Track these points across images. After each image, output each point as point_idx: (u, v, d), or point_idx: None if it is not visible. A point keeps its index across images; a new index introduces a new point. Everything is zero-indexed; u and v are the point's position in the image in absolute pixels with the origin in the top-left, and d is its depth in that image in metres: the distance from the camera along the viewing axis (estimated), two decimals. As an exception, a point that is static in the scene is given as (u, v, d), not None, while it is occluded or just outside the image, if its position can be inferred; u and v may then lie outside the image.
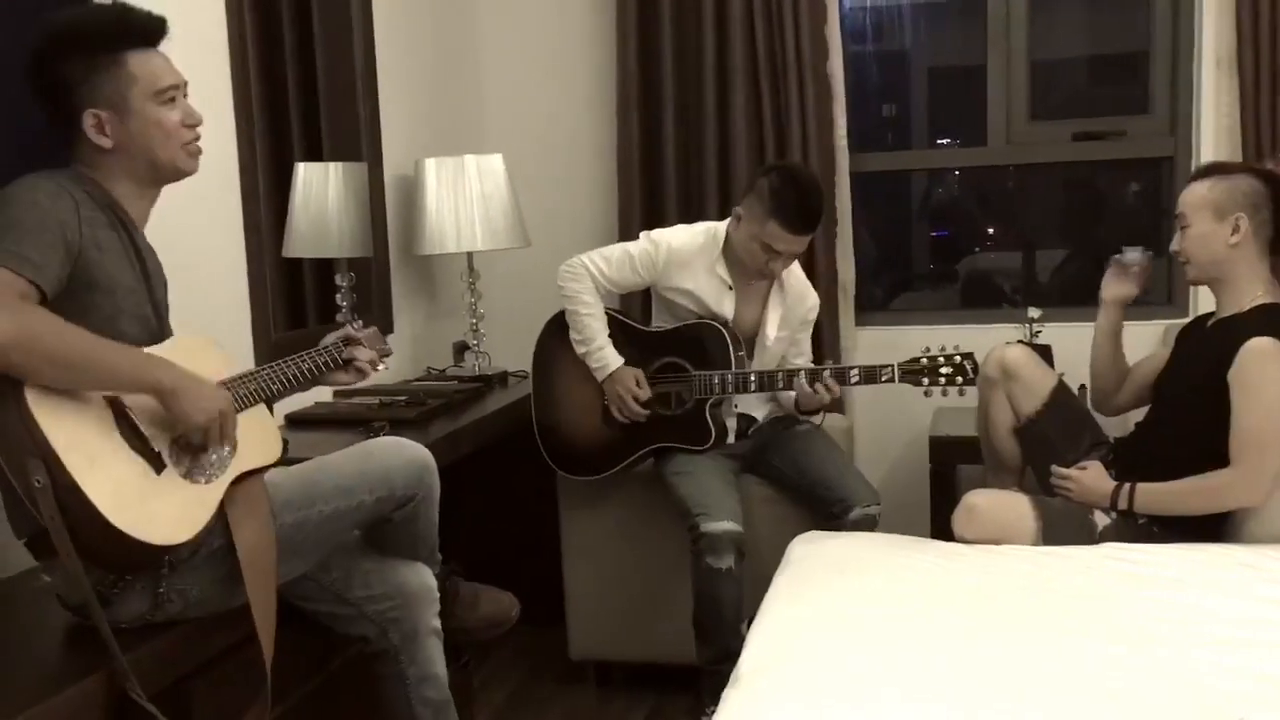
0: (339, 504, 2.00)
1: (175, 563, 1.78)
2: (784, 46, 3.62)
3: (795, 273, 3.05)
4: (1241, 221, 2.49)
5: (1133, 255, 2.78)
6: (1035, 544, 2.50)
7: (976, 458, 3.02)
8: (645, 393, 2.92)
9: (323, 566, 2.07)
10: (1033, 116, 3.81)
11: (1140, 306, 3.81)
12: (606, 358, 2.93)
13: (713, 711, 1.90)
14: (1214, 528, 2.49)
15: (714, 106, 3.69)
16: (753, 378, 2.88)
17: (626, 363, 2.94)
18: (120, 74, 1.82)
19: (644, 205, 3.78)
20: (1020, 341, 3.08)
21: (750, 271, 2.91)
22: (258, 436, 1.93)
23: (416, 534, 2.18)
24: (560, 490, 3.21)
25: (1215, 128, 3.47)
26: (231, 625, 1.86)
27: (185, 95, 1.91)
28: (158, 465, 1.72)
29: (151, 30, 1.87)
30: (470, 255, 3.50)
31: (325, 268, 3.25)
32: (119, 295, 1.80)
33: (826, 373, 2.84)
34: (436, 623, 2.16)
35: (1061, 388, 2.79)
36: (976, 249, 4.45)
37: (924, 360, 2.80)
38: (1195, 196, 2.55)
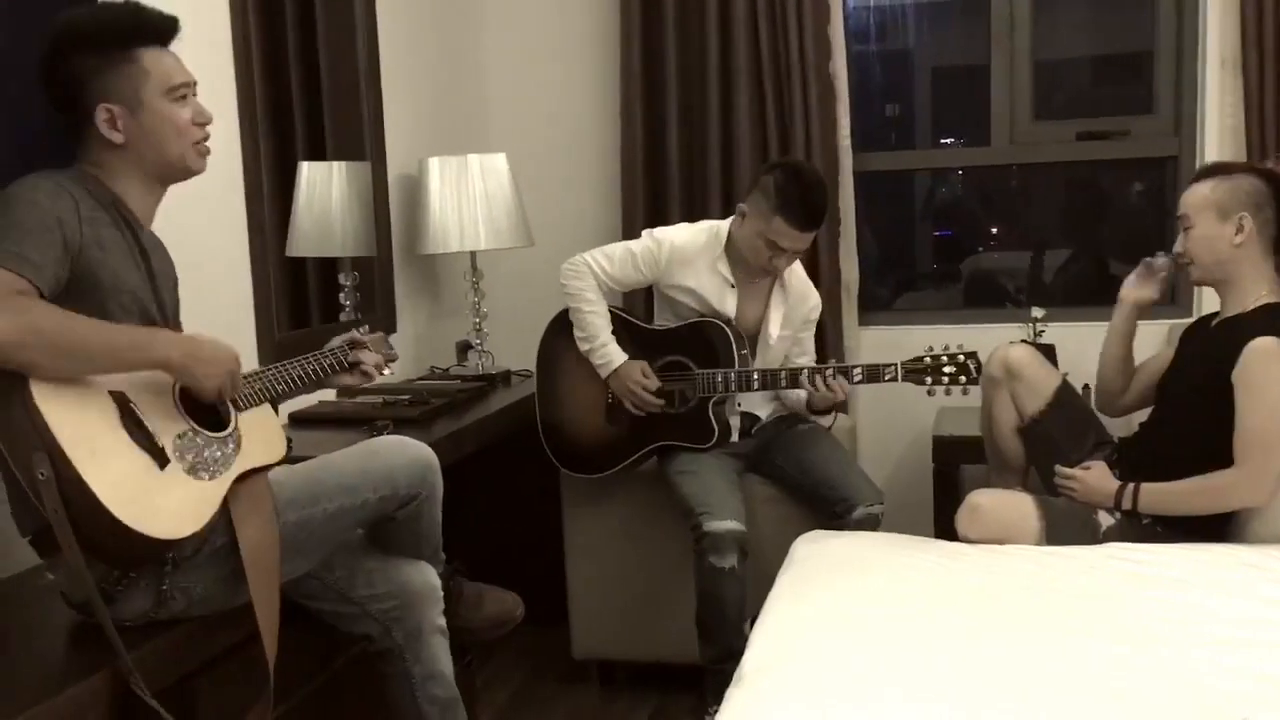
0: (342, 502, 2.00)
1: (178, 560, 1.79)
2: (787, 46, 3.62)
3: (797, 272, 3.05)
4: (1245, 221, 2.48)
5: (1163, 260, 2.76)
6: (1039, 544, 2.50)
7: (980, 457, 3.02)
8: (654, 382, 2.92)
9: (326, 565, 2.07)
10: (1036, 116, 3.81)
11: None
12: (610, 354, 2.93)
13: (715, 711, 1.90)
14: (1218, 528, 2.49)
15: (717, 106, 3.69)
16: (756, 376, 2.88)
17: (630, 359, 2.94)
18: (134, 70, 1.83)
19: (647, 205, 3.78)
20: (1024, 341, 3.08)
21: (753, 269, 2.91)
22: (262, 435, 1.94)
23: (420, 533, 2.18)
24: (563, 489, 3.21)
25: (1219, 128, 3.47)
26: (235, 623, 1.86)
27: (195, 94, 1.92)
28: (161, 460, 1.72)
29: (164, 28, 1.88)
30: (474, 254, 3.50)
31: (329, 267, 3.25)
32: (123, 295, 1.80)
33: (830, 372, 2.84)
34: (441, 621, 2.16)
35: (1065, 387, 2.79)
36: (980, 249, 4.44)
37: (927, 359, 2.80)
38: (1198, 197, 2.54)
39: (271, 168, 2.92)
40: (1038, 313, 3.36)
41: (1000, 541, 2.49)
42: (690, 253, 2.94)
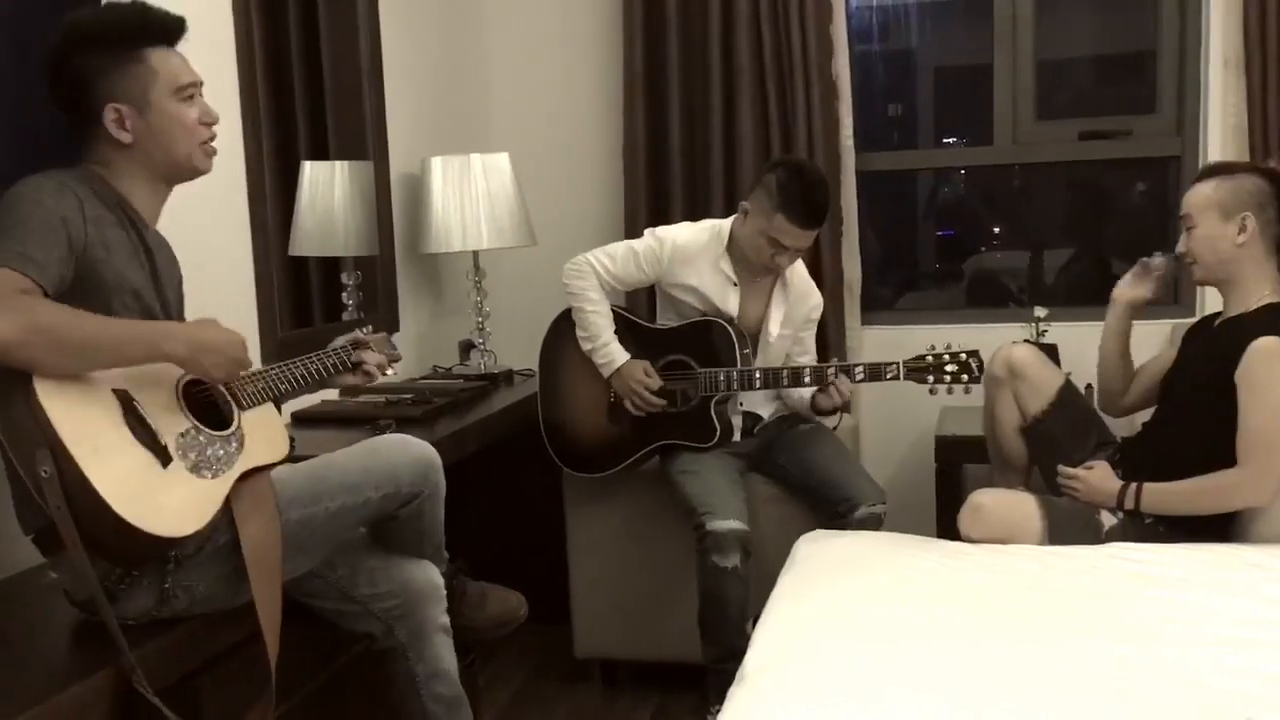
0: (345, 501, 2.00)
1: (181, 558, 1.79)
2: (790, 46, 3.62)
3: (799, 271, 3.05)
4: (1248, 221, 2.48)
5: (1160, 260, 2.76)
6: (1041, 543, 2.50)
7: (982, 457, 3.02)
8: (656, 382, 2.92)
9: (328, 564, 2.07)
10: (1039, 116, 3.80)
11: (1147, 306, 3.82)
12: (613, 354, 2.93)
13: (718, 710, 1.90)
14: (1221, 528, 2.48)
15: (720, 106, 3.69)
16: (758, 375, 2.88)
17: (632, 358, 2.94)
18: (142, 70, 1.84)
19: (650, 205, 3.78)
20: (1026, 341, 3.08)
21: (755, 267, 2.91)
22: (265, 434, 1.94)
23: (422, 531, 2.18)
24: (566, 488, 3.21)
25: (1222, 128, 3.47)
26: (237, 622, 1.86)
27: (201, 94, 1.92)
28: (164, 459, 1.72)
29: (171, 29, 1.89)
30: (476, 254, 3.50)
31: (331, 266, 3.26)
32: (126, 294, 1.80)
33: (833, 371, 2.84)
34: (444, 619, 2.16)
35: (1068, 387, 2.79)
36: (982, 248, 4.44)
37: (929, 358, 2.80)
38: (1200, 197, 2.54)
39: (274, 167, 2.92)
40: (1040, 312, 3.36)
41: (1003, 541, 2.49)
42: (693, 251, 2.95)
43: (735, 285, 2.95)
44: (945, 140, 4.27)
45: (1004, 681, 1.81)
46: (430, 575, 2.16)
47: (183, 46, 1.92)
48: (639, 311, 3.34)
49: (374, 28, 3.32)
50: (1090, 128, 3.82)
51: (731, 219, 2.97)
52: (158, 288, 1.89)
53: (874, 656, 1.93)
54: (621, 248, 2.99)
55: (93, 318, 1.66)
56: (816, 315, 3.12)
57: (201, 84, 1.93)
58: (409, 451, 2.13)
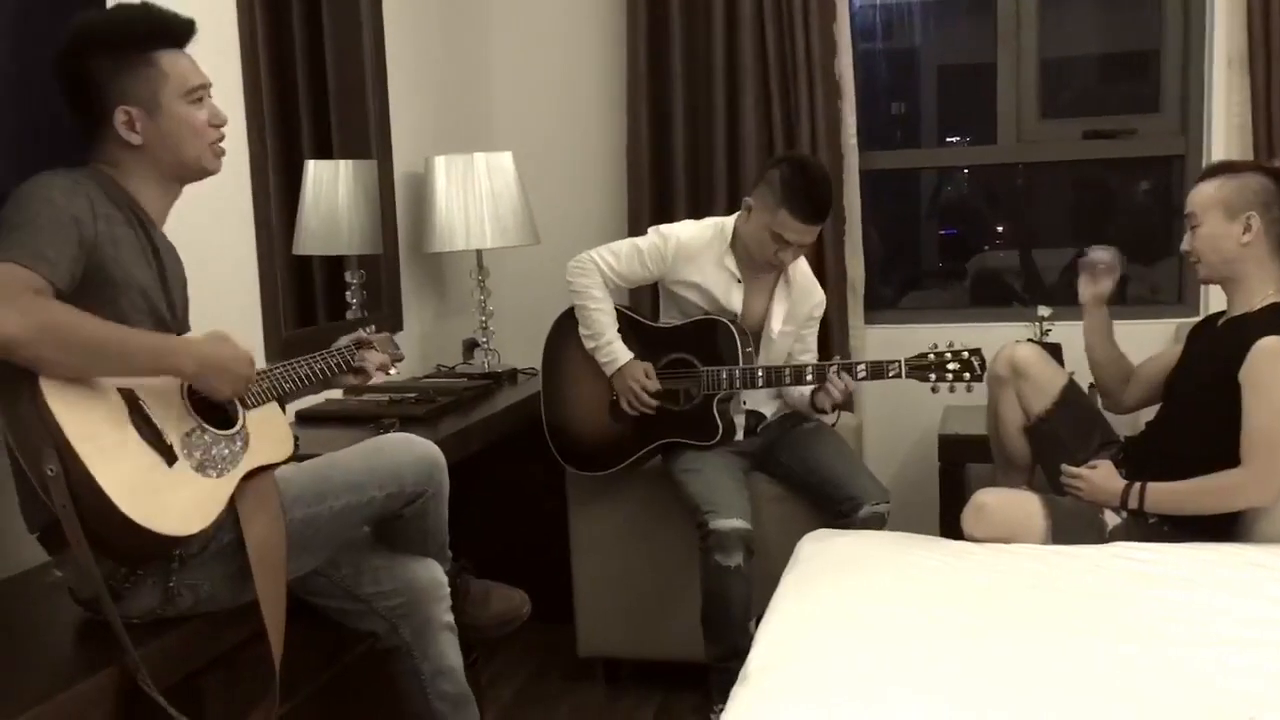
0: (349, 500, 2.00)
1: (185, 557, 1.79)
2: (793, 45, 3.62)
3: (802, 269, 3.05)
4: (1253, 220, 2.48)
5: (1097, 254, 2.80)
6: (1045, 543, 2.50)
7: (986, 456, 3.02)
8: (654, 384, 2.92)
9: (332, 562, 2.07)
10: (1043, 115, 3.81)
11: (1151, 305, 3.82)
12: (615, 352, 2.93)
13: (721, 709, 1.90)
14: (1225, 527, 2.48)
15: (723, 105, 3.69)
16: (760, 373, 2.88)
17: (635, 358, 2.94)
18: (151, 73, 1.84)
19: (653, 204, 3.78)
20: (1030, 340, 3.08)
21: (759, 264, 2.91)
22: (269, 433, 1.94)
23: (426, 530, 2.18)
24: (569, 487, 3.22)
25: (1226, 126, 3.47)
26: (242, 621, 1.86)
27: (209, 95, 1.93)
28: (170, 458, 1.72)
29: (180, 31, 1.89)
30: (480, 253, 3.50)
31: (335, 265, 3.26)
32: (134, 293, 1.80)
33: (835, 368, 2.84)
34: (449, 617, 2.16)
35: (1072, 386, 2.79)
36: (986, 247, 4.44)
37: (931, 356, 2.80)
38: (1205, 196, 2.54)
39: (278, 166, 2.93)
40: (1044, 311, 3.36)
41: (1006, 540, 2.49)
42: (696, 248, 2.95)
43: (739, 282, 2.95)
44: (949, 139, 4.27)
45: (1007, 681, 1.81)
46: (434, 574, 2.16)
47: (188, 46, 1.92)
48: (642, 310, 3.34)
49: (378, 27, 3.33)
50: (1094, 127, 3.82)
51: (735, 216, 2.97)
52: (165, 288, 1.89)
53: (877, 656, 1.93)
54: (625, 245, 3.00)
55: (104, 323, 1.67)
56: (819, 313, 3.12)
57: (210, 85, 1.93)
58: (413, 450, 2.13)
